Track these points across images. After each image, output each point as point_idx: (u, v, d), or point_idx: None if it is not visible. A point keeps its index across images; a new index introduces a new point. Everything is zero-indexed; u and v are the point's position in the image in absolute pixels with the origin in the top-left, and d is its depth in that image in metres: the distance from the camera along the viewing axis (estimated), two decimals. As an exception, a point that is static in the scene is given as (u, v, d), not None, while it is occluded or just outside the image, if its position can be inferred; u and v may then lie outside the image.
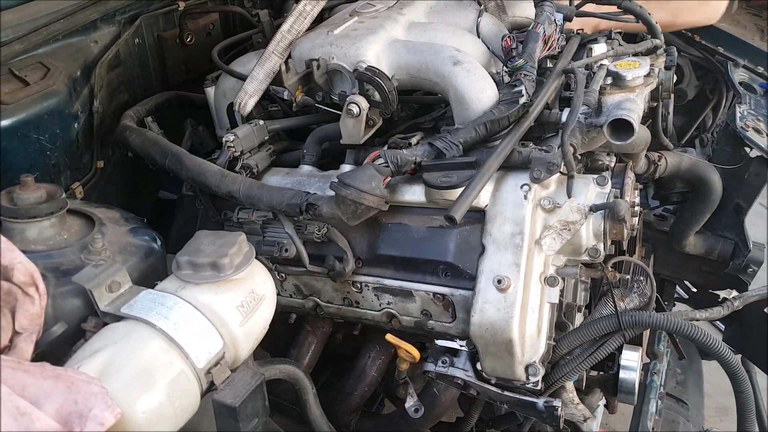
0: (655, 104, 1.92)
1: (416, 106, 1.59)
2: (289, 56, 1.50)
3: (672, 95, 1.92)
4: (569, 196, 1.25)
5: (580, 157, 1.34)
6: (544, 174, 1.22)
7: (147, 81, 1.88)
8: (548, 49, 1.55)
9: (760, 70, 2.46)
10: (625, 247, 2.16)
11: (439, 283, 1.31)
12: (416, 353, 1.35)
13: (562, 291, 1.33)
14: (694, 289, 2.47)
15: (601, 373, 1.63)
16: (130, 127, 1.55)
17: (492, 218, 1.26)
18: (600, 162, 1.75)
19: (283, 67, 1.42)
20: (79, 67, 1.58)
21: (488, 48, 1.57)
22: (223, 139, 1.43)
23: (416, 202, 1.33)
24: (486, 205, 1.27)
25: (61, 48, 1.57)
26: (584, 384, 1.51)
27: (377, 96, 1.37)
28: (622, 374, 1.50)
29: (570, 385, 1.42)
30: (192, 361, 0.99)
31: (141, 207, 1.73)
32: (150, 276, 1.18)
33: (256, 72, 1.50)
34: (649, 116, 2.04)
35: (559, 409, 1.26)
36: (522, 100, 1.29)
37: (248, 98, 1.52)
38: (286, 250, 1.38)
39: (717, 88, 2.55)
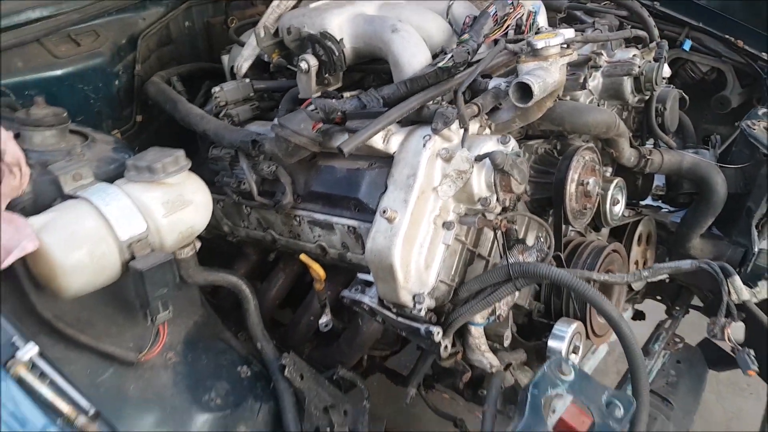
0: (647, 96, 1.95)
1: (385, 77, 1.80)
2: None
3: (659, 86, 1.93)
4: (463, 147, 1.39)
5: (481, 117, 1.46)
6: (441, 125, 1.37)
7: (196, 59, 2.27)
8: (503, 29, 1.68)
9: (806, 78, 2.33)
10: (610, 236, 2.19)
11: (351, 217, 1.50)
12: (322, 273, 1.54)
13: (465, 237, 1.47)
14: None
15: (537, 341, 1.71)
16: (153, 81, 1.92)
17: (397, 162, 1.43)
18: (572, 146, 1.84)
19: (261, 33, 1.70)
20: (125, 37, 1.99)
21: (451, 26, 1.74)
22: (212, 90, 1.74)
23: (344, 148, 1.53)
24: (395, 152, 1.45)
25: (113, 21, 1.99)
26: (505, 340, 1.62)
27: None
28: (550, 342, 1.58)
29: (478, 331, 1.53)
30: (115, 233, 1.28)
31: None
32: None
33: (251, 40, 1.81)
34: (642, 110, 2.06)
35: (436, 335, 1.39)
36: (440, 64, 1.46)
37: (243, 61, 1.82)
38: (243, 184, 1.65)
39: (764, 97, 2.44)
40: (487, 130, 1.49)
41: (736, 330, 1.68)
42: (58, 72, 1.83)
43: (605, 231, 2.07)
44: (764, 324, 1.43)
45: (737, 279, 1.37)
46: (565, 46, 1.44)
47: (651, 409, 2.09)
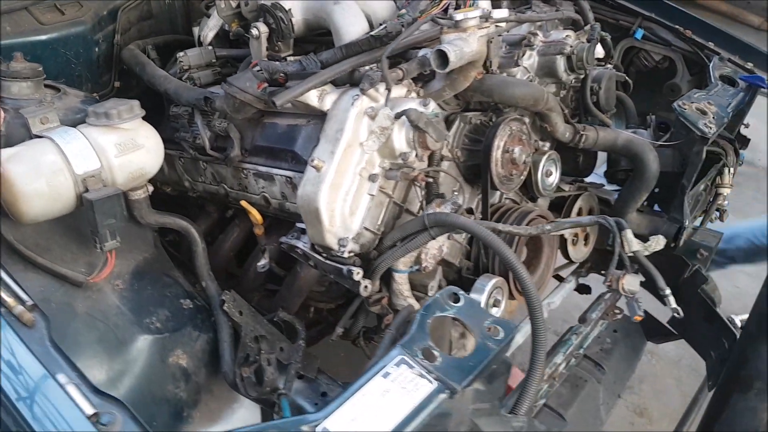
0: (582, 76, 2.09)
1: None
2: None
3: (590, 66, 2.06)
4: (386, 106, 1.54)
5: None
6: (367, 85, 1.53)
7: (175, 34, 2.44)
8: (441, 6, 1.83)
9: (750, 66, 2.46)
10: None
11: (288, 168, 1.67)
12: (260, 217, 1.71)
13: (392, 191, 1.63)
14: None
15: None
16: (129, 48, 2.10)
17: (329, 119, 1.59)
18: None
19: (222, 4, 1.87)
20: (106, 8, 2.17)
21: (395, 3, 1.90)
22: (177, 55, 1.91)
23: (287, 108, 1.70)
24: (328, 109, 1.61)
25: None
26: (429, 290, 1.77)
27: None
28: (472, 294, 1.73)
29: (401, 278, 1.68)
30: (72, 167, 1.46)
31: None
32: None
33: (215, 11, 1.98)
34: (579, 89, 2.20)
35: (356, 274, 1.55)
36: (373, 33, 1.62)
37: (208, 31, 2.00)
38: (198, 139, 1.82)
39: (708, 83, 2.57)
40: (413, 95, 1.65)
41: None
42: (43, 37, 2.02)
43: (543, 203, 2.21)
44: (651, 273, 1.57)
45: (629, 232, 1.52)
46: (483, 19, 1.59)
47: (582, 372, 2.24)
